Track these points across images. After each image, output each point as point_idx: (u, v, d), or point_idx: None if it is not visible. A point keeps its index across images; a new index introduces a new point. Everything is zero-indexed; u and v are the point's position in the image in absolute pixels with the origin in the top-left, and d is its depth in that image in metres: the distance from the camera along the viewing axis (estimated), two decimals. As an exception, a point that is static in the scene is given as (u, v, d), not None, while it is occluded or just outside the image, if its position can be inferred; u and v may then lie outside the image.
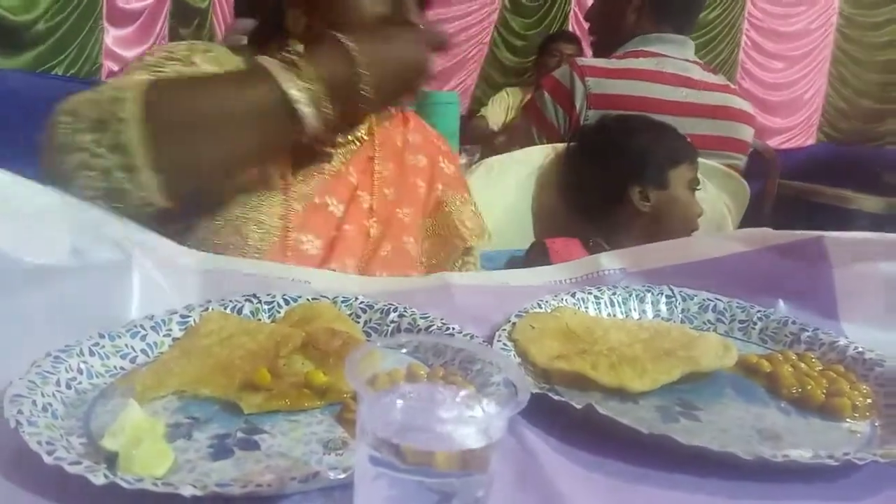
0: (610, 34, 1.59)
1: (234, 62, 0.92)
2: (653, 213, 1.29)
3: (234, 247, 0.83)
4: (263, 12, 0.98)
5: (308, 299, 0.69)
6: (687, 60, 1.50)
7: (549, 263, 1.22)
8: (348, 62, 0.75)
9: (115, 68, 3.68)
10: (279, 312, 0.68)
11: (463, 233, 1.02)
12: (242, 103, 0.72)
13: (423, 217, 1.02)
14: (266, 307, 0.68)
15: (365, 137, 1.00)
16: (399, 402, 0.34)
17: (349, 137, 0.98)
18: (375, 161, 0.98)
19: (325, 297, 0.70)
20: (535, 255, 1.25)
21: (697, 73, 1.50)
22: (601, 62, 1.49)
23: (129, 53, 3.80)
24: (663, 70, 1.46)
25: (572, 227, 1.34)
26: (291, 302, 0.69)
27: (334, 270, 0.87)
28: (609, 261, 0.83)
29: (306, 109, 0.72)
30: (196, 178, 0.74)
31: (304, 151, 0.89)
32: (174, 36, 3.93)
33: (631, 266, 0.82)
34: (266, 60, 0.73)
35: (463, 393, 0.35)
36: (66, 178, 0.67)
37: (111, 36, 3.73)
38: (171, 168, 0.69)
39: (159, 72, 0.84)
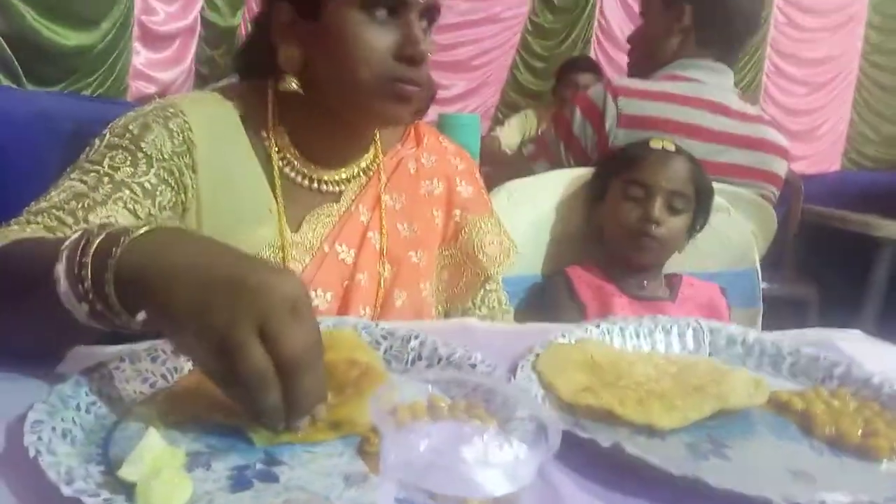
0: (650, 57, 1.56)
1: (213, 107, 0.88)
2: (600, 229, 1.29)
3: None
4: (252, 49, 0.93)
5: (330, 326, 0.69)
6: (725, 89, 1.49)
7: (571, 292, 1.23)
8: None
9: (146, 89, 3.75)
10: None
11: (483, 261, 0.97)
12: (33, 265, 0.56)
13: (440, 247, 0.98)
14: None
15: (372, 167, 0.94)
16: (424, 441, 0.33)
17: (356, 171, 0.93)
18: (384, 193, 0.93)
19: (346, 322, 0.69)
20: (558, 287, 1.24)
21: (735, 103, 1.47)
22: (636, 83, 1.47)
23: (161, 75, 3.86)
24: (701, 96, 1.44)
25: (591, 253, 1.33)
26: (312, 328, 0.68)
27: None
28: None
29: (60, 266, 0.52)
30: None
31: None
32: (202, 58, 3.99)
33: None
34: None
35: (489, 433, 0.34)
36: None
37: (143, 57, 3.80)
38: None
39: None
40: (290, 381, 0.47)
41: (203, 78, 3.91)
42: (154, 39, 3.84)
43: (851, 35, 5.56)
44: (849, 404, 0.62)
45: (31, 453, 0.42)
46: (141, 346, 0.60)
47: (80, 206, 0.76)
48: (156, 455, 0.44)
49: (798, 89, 5.52)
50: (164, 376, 0.59)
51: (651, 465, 0.47)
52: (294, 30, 0.83)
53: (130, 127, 0.83)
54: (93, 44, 3.56)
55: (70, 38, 3.50)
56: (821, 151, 5.61)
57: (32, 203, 0.77)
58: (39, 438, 0.44)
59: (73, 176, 0.80)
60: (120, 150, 0.81)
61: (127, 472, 0.43)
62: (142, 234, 0.52)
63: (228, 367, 0.46)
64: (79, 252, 0.52)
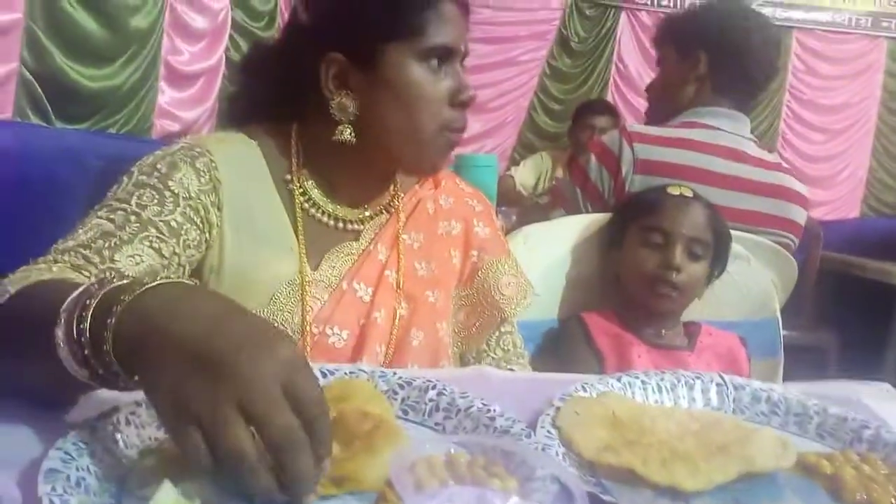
0: (667, 104, 1.57)
1: (238, 147, 0.90)
2: (617, 276, 1.27)
3: None
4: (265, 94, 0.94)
5: (346, 373, 0.68)
6: (742, 136, 1.48)
7: (588, 339, 1.21)
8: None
9: (171, 127, 3.82)
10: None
11: (499, 301, 0.97)
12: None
13: (457, 288, 0.98)
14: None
15: (392, 205, 0.95)
16: (445, 508, 0.32)
17: (377, 209, 0.94)
18: (402, 231, 0.94)
19: (363, 371, 0.69)
20: (574, 334, 1.22)
21: (753, 150, 1.46)
22: (652, 129, 1.47)
23: (185, 114, 3.94)
24: (717, 143, 1.43)
25: (608, 297, 1.31)
26: (329, 375, 0.68)
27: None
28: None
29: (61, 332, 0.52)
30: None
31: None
32: (225, 97, 4.07)
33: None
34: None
35: (513, 500, 0.33)
36: None
37: (167, 96, 3.88)
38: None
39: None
40: (282, 462, 0.45)
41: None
42: (179, 79, 3.93)
43: (870, 82, 5.57)
44: (880, 471, 0.60)
45: (45, 504, 0.42)
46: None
47: (106, 245, 0.77)
48: (169, 509, 0.44)
49: (816, 136, 5.52)
50: (179, 423, 0.58)
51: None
52: (347, 80, 0.85)
53: (158, 165, 0.84)
54: (120, 83, 3.65)
55: (97, 78, 3.59)
56: (840, 198, 5.57)
57: (60, 240, 0.78)
58: (53, 489, 0.43)
59: (100, 214, 0.81)
60: (147, 189, 0.82)
61: (140, 527, 0.43)
62: (139, 294, 0.51)
63: (207, 449, 0.45)
64: (76, 316, 0.51)
